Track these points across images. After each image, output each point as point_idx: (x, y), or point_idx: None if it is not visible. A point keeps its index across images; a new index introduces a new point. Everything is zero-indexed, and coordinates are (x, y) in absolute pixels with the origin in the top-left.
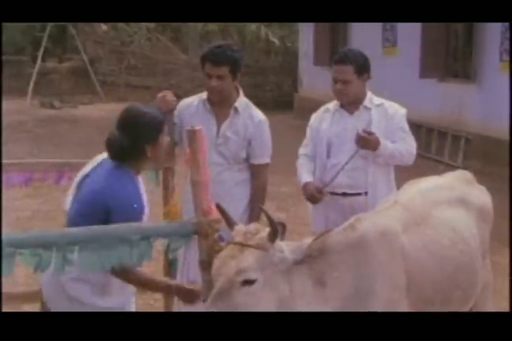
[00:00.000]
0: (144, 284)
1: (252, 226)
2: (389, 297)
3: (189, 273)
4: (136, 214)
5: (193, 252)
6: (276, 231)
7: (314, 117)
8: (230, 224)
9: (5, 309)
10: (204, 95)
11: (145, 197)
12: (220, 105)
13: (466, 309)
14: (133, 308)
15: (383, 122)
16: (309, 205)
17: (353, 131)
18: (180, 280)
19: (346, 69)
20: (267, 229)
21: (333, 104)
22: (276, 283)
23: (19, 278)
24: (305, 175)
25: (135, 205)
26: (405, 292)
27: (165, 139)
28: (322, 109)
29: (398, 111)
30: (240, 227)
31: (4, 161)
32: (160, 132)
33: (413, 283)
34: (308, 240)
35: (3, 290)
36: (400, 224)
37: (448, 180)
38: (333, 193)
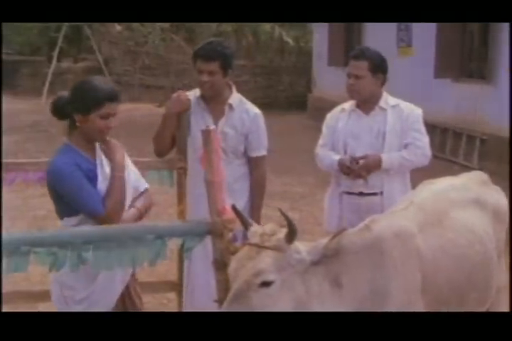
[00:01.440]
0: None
1: (268, 227)
2: (404, 298)
3: (194, 272)
4: (77, 180)
5: (198, 252)
6: (294, 232)
7: (330, 116)
8: (246, 224)
9: (21, 308)
10: (198, 92)
11: (100, 166)
12: (214, 102)
13: (481, 310)
14: (111, 296)
15: (398, 123)
16: (324, 205)
17: (368, 131)
18: (186, 279)
19: (360, 64)
20: (283, 230)
21: (349, 104)
22: (294, 284)
23: (34, 277)
24: (334, 156)
25: (72, 172)
26: (421, 293)
27: (100, 121)
28: (338, 108)
29: (414, 112)
30: (256, 228)
31: (20, 160)
32: (93, 108)
33: (429, 283)
34: (324, 240)
35: (19, 288)
36: (416, 225)
37: (463, 180)
38: (349, 193)
